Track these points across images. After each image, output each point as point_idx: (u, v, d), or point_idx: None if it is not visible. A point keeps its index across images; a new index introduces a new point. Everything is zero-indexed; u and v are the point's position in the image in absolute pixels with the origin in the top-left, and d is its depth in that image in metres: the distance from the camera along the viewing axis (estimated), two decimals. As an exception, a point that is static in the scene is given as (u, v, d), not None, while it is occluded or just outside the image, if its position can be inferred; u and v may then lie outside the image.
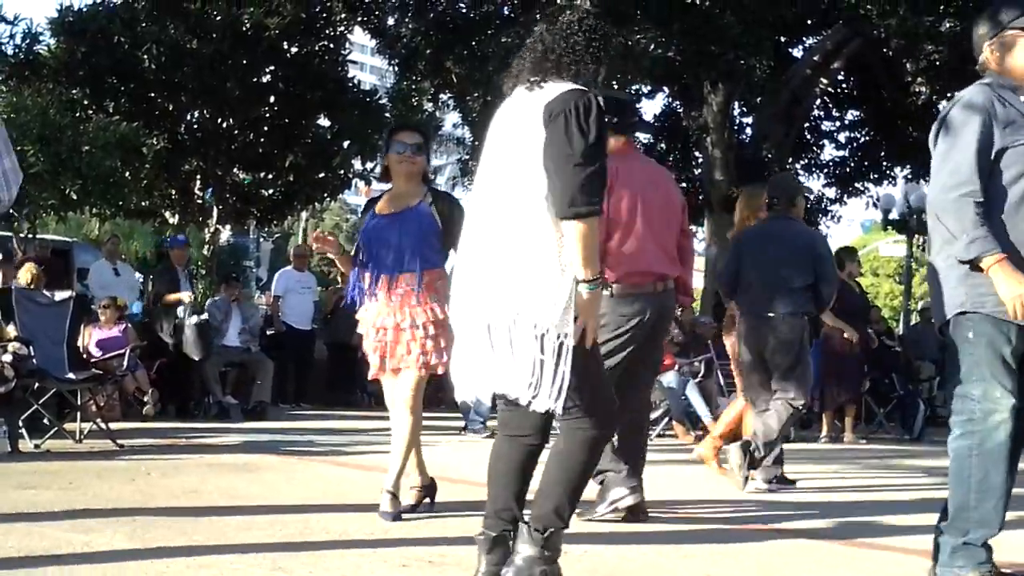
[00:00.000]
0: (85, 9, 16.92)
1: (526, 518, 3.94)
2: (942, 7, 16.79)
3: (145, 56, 16.05)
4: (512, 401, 3.87)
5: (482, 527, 3.99)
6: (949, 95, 19.31)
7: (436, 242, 5.57)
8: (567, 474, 3.88)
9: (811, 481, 7.84)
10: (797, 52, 20.87)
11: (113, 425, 9.30)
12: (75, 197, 14.80)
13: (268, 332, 15.26)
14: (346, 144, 18.60)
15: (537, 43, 4.03)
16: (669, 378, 12.19)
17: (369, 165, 19.47)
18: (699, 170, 20.94)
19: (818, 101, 21.08)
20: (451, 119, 29.58)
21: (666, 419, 12.05)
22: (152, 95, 17.32)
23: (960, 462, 4.24)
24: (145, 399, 11.68)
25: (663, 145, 22.82)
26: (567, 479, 3.88)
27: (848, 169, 22.38)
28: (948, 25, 16.52)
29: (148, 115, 17.09)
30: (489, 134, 4.08)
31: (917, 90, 18.26)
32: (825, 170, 22.56)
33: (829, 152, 22.90)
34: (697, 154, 20.88)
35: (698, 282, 32.33)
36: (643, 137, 23.25)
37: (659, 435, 12.07)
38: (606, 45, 4.03)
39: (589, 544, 4.91)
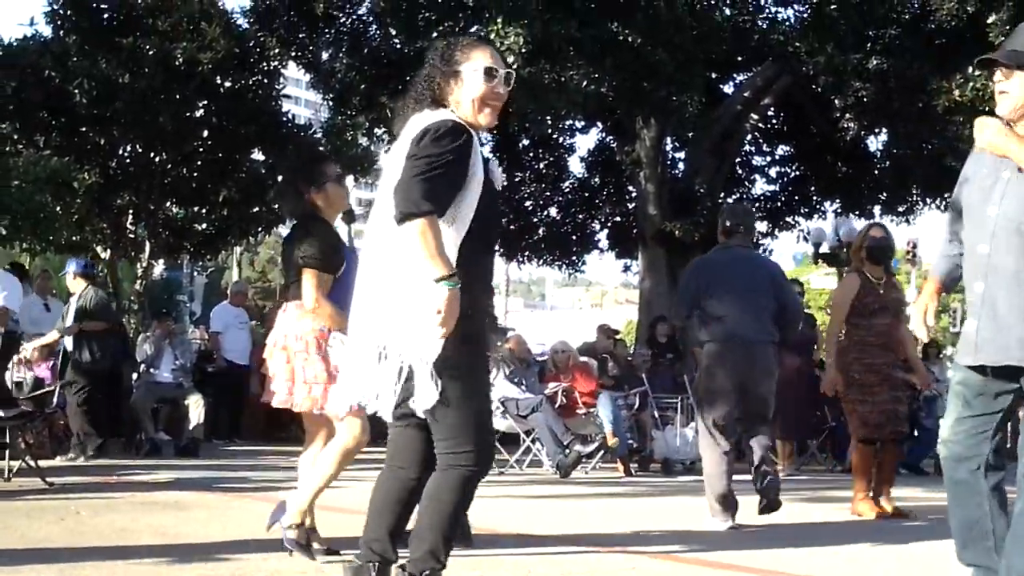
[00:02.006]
0: (15, 43, 16.81)
1: (401, 561, 3.98)
2: (869, 45, 17.12)
3: (76, 90, 15.94)
4: (402, 433, 3.98)
5: (353, 555, 4.07)
6: (876, 130, 19.70)
7: None
8: (441, 515, 3.90)
9: (742, 512, 7.89)
10: (728, 88, 21.14)
11: (43, 463, 9.18)
12: (4, 232, 14.63)
13: (209, 368, 15.19)
14: (280, 178, 18.57)
15: (418, 79, 4.15)
16: (605, 412, 12.21)
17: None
18: (632, 204, 21.11)
19: (749, 136, 21.34)
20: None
21: (601, 452, 12.08)
22: (84, 129, 17.21)
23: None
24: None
25: (597, 179, 22.98)
26: (441, 520, 3.90)
27: (779, 203, 22.63)
28: (875, 62, 16.84)
29: (80, 150, 16.98)
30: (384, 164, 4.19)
31: (845, 126, 18.51)
32: (756, 204, 22.76)
33: (760, 186, 23.19)
34: (631, 188, 21.05)
35: (632, 314, 32.39)
36: (577, 171, 23.45)
37: (594, 468, 12.11)
38: (452, 70, 4.06)
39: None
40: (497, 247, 19.98)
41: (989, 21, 15.62)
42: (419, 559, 3.87)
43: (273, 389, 5.48)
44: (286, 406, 5.46)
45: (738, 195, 22.70)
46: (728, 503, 7.27)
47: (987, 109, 16.18)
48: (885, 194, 21.15)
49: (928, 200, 21.02)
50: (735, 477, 7.40)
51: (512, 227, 21.72)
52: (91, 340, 11.61)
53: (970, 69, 16.20)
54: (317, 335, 5.31)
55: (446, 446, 3.90)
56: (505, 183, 21.47)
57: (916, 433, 14.68)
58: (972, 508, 4.39)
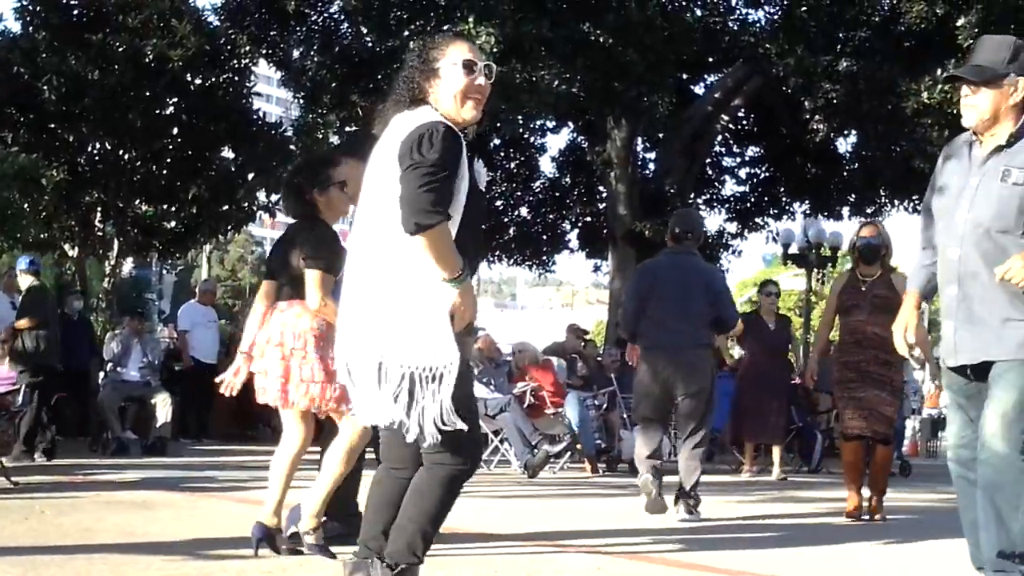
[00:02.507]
0: (-16, 38, 16.69)
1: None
2: (839, 47, 17.21)
3: (45, 87, 15.82)
4: (394, 432, 3.98)
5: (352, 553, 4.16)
6: (846, 132, 19.81)
7: None
8: (422, 510, 3.94)
9: (708, 512, 7.92)
10: (699, 89, 21.23)
11: (7, 462, 9.11)
12: (-29, 229, 14.53)
13: (176, 368, 15.14)
14: (251, 176, 18.50)
15: (398, 81, 4.14)
16: (572, 413, 12.23)
17: (274, 197, 19.39)
18: (603, 204, 21.16)
19: (719, 137, 21.41)
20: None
21: (569, 453, 12.09)
22: (52, 126, 17.09)
23: None
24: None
25: (568, 179, 23.01)
26: (422, 515, 3.93)
27: (748, 204, 22.73)
28: (845, 64, 16.93)
29: (48, 146, 16.86)
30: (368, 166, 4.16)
31: (815, 127, 18.62)
32: (726, 205, 22.89)
33: (730, 187, 23.28)
34: (601, 188, 21.11)
35: (602, 314, 32.49)
36: (548, 171, 23.46)
37: (562, 468, 12.11)
38: (430, 68, 4.06)
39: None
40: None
41: (958, 24, 15.74)
42: (396, 552, 3.92)
43: (263, 386, 5.45)
44: (275, 404, 5.44)
45: (708, 196, 22.80)
46: (657, 497, 7.69)
47: (955, 112, 16.26)
48: (854, 195, 21.26)
49: (896, 202, 21.13)
50: (708, 478, 7.49)
51: (483, 226, 21.73)
52: (25, 333, 11.57)
53: (939, 71, 16.31)
54: (316, 333, 5.31)
55: (433, 445, 3.91)
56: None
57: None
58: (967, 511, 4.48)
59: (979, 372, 4.43)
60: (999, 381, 4.29)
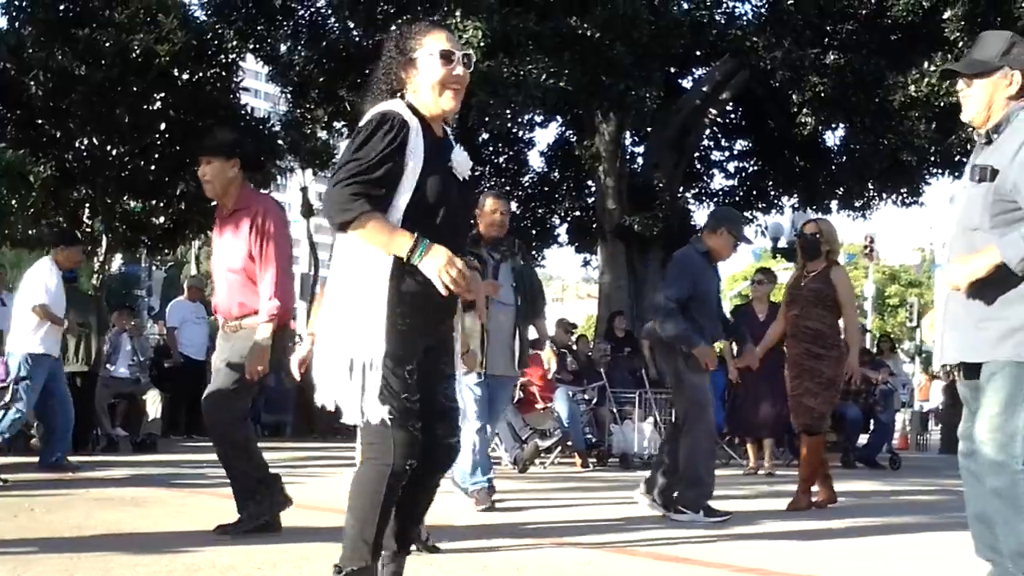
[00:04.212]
0: (-30, 35, 16.62)
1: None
2: (826, 40, 17.25)
3: (32, 82, 15.77)
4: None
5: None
6: (833, 125, 19.84)
7: None
8: (353, 512, 3.85)
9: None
10: (687, 83, 21.23)
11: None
12: (-41, 227, 14.51)
13: (166, 364, 15.12)
14: (239, 172, 18.43)
15: (377, 71, 4.15)
16: (561, 406, 12.24)
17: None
18: (592, 198, 21.17)
19: (707, 131, 21.43)
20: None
21: (559, 447, 12.10)
22: (40, 122, 17.02)
23: None
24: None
25: (556, 174, 23.01)
26: (350, 515, 3.86)
27: (737, 198, 22.72)
28: (832, 57, 16.98)
29: (35, 142, 16.79)
30: None
31: (803, 121, 18.62)
32: (715, 199, 22.90)
33: (719, 181, 23.28)
34: (590, 183, 21.11)
35: (592, 308, 32.59)
36: (536, 165, 23.47)
37: (552, 463, 12.13)
38: (408, 58, 4.05)
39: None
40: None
41: (944, 17, 15.81)
42: (342, 556, 3.85)
43: None
44: None
45: (696, 189, 22.82)
46: None
47: (941, 104, 16.38)
48: (842, 189, 21.27)
49: (884, 195, 21.16)
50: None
51: (472, 221, 21.74)
52: None
53: (926, 64, 16.37)
54: None
55: (364, 440, 3.90)
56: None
57: (872, 427, 14.83)
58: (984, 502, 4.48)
59: (966, 371, 4.45)
60: (985, 388, 4.31)
